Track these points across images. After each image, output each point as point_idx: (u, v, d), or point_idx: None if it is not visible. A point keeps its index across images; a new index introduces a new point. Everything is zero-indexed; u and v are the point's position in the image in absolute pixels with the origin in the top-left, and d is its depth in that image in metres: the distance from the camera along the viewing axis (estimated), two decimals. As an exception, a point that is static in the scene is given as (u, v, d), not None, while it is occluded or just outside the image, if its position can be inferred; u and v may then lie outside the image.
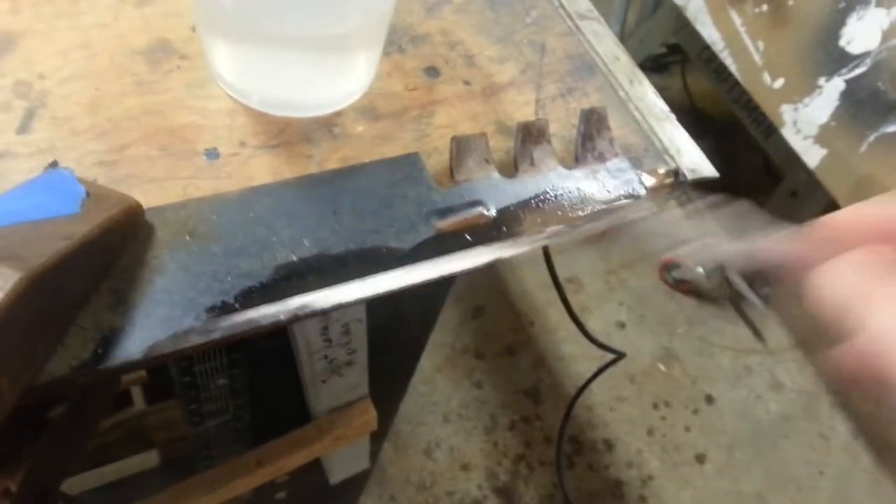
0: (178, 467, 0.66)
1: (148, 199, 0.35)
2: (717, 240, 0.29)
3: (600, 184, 0.40)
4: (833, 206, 1.02)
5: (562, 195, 0.39)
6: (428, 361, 1.51)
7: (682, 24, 1.29)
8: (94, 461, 0.62)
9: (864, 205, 0.26)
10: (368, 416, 0.64)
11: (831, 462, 1.55)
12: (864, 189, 0.95)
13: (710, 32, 1.16)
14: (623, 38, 1.67)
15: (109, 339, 0.30)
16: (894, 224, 0.25)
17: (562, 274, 1.79)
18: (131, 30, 0.42)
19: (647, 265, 1.75)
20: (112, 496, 0.63)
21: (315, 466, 0.76)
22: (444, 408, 1.47)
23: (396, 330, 0.62)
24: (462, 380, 1.51)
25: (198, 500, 0.60)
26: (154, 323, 0.31)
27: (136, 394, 0.65)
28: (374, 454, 0.87)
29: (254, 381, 0.58)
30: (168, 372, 0.54)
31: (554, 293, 0.78)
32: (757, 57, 1.09)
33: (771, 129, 1.27)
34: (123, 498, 0.64)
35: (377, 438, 0.82)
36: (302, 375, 0.58)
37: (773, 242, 0.28)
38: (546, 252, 0.71)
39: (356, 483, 0.92)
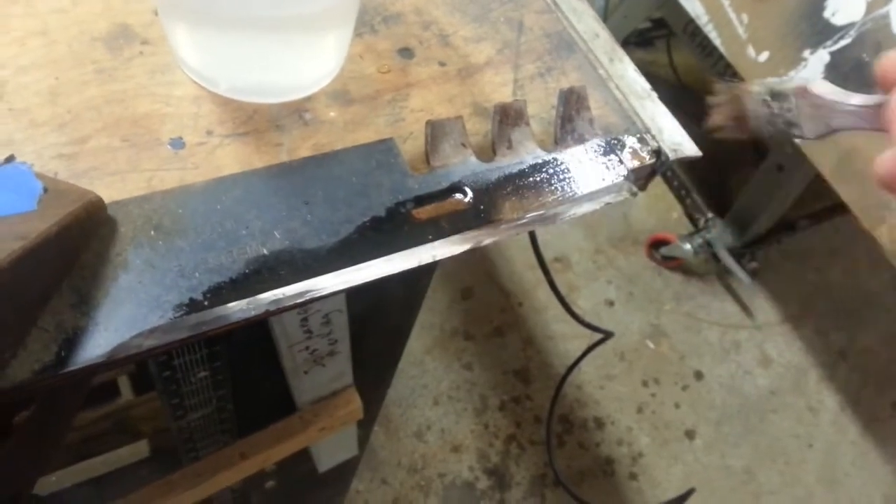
0: (169, 458, 0.65)
1: (110, 192, 0.33)
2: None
3: (580, 166, 0.39)
4: (819, 179, 1.02)
5: (541, 179, 0.38)
6: (417, 344, 1.51)
7: (666, -3, 1.27)
8: (82, 454, 0.61)
9: None
10: (353, 405, 0.63)
11: (819, 435, 1.56)
12: (849, 162, 0.95)
13: (693, 6, 1.14)
14: (607, 13, 1.65)
15: (72, 341, 0.29)
16: None
17: (550, 253, 1.78)
18: (91, 15, 0.40)
19: (635, 243, 1.75)
20: (102, 490, 0.62)
21: (303, 455, 0.75)
22: (435, 390, 1.47)
23: (379, 318, 0.61)
24: (452, 362, 1.51)
25: (182, 494, 0.59)
26: (119, 322, 0.30)
27: (124, 384, 0.64)
28: (364, 440, 0.86)
29: (235, 373, 0.57)
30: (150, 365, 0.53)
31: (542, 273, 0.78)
32: (741, 30, 1.08)
33: (756, 104, 1.26)
34: (115, 492, 0.63)
35: (365, 424, 0.81)
36: (284, 367, 0.57)
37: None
38: (531, 233, 0.69)
39: (346, 469, 0.92)
